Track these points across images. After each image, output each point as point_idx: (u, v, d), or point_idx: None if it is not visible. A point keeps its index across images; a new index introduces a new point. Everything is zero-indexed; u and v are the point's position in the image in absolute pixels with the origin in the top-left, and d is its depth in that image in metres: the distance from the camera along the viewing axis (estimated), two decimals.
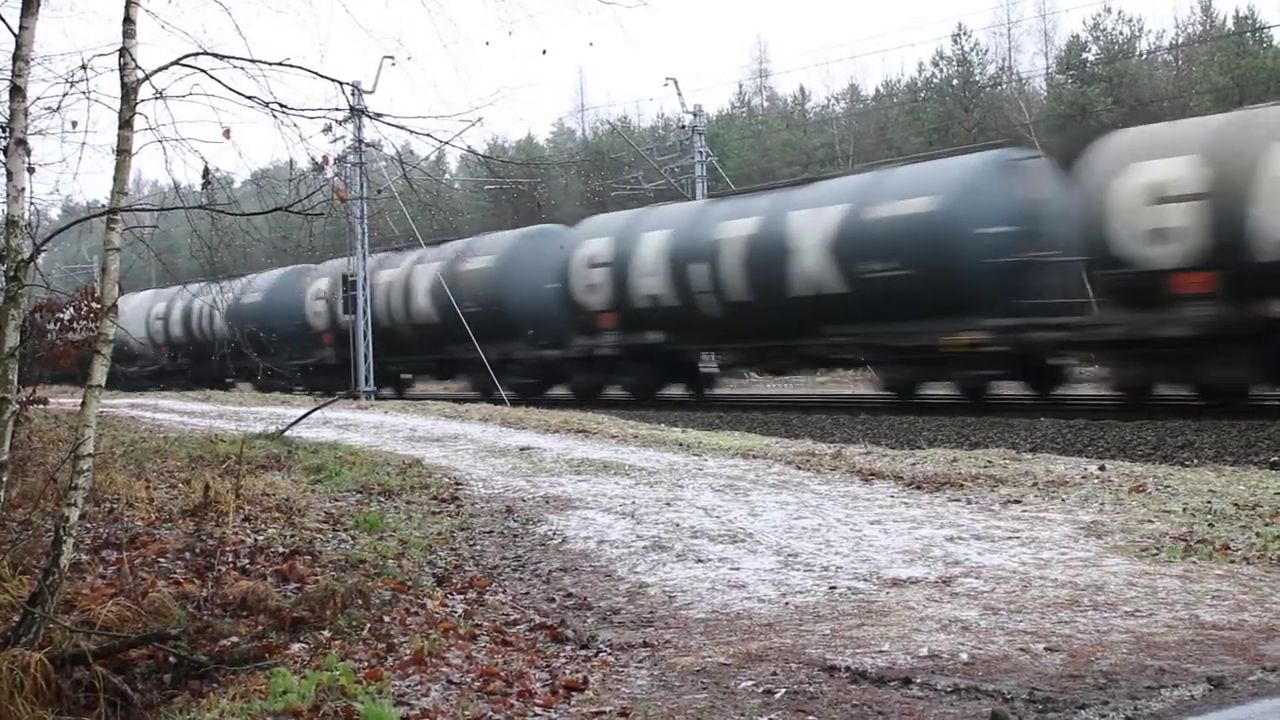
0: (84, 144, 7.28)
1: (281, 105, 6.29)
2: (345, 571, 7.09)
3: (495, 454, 14.33)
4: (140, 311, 47.85)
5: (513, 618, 6.23)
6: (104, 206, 6.45)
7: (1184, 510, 8.52)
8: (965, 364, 21.08)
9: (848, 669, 5.01)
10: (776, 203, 24.67)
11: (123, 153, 5.95)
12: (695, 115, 40.66)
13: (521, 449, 14.62)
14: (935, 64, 58.80)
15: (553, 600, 6.65)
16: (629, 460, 13.06)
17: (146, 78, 5.99)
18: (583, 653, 5.49)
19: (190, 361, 42.55)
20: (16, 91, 5.85)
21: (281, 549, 7.83)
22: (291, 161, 7.14)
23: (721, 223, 25.31)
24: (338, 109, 6.83)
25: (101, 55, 6.20)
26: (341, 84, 6.74)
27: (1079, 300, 19.85)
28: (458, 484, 11.46)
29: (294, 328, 36.51)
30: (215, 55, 6.09)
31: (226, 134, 6.35)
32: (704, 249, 25.33)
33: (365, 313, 32.29)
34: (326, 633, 5.83)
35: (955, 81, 57.35)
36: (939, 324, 20.74)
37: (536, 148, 71.95)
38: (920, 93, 59.62)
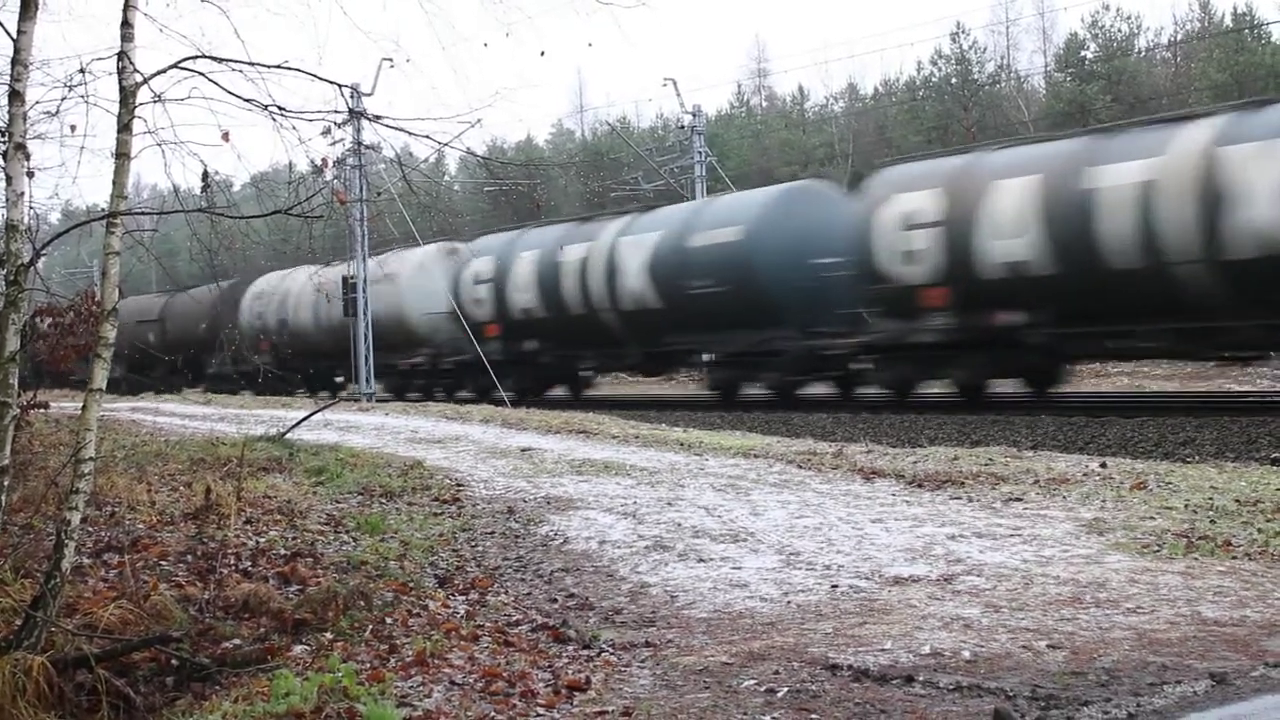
0: (83, 148, 7.28)
1: (280, 108, 6.29)
2: (347, 573, 7.09)
3: (496, 455, 14.33)
4: (430, 274, 32.84)
5: (515, 618, 6.23)
6: (103, 210, 6.45)
7: (1185, 507, 8.52)
8: None
9: (850, 667, 5.01)
10: None
11: (121, 156, 5.95)
12: (694, 115, 40.61)
13: (523, 450, 14.63)
14: (934, 62, 58.86)
15: (555, 600, 6.66)
16: (630, 460, 13.06)
17: (145, 81, 5.99)
18: (585, 653, 5.49)
19: (547, 345, 29.18)
20: (15, 96, 5.85)
21: (283, 551, 7.84)
22: (291, 164, 7.13)
23: None
24: (337, 111, 6.84)
25: (100, 59, 6.21)
26: (340, 86, 6.74)
27: None
28: (459, 485, 11.46)
29: (834, 284, 22.90)
30: (213, 58, 6.09)
31: (225, 137, 6.35)
32: None
33: (365, 313, 32.23)
34: (328, 634, 5.84)
35: (954, 80, 57.32)
36: None
37: (536, 149, 71.95)
38: (919, 91, 59.63)
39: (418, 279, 33.14)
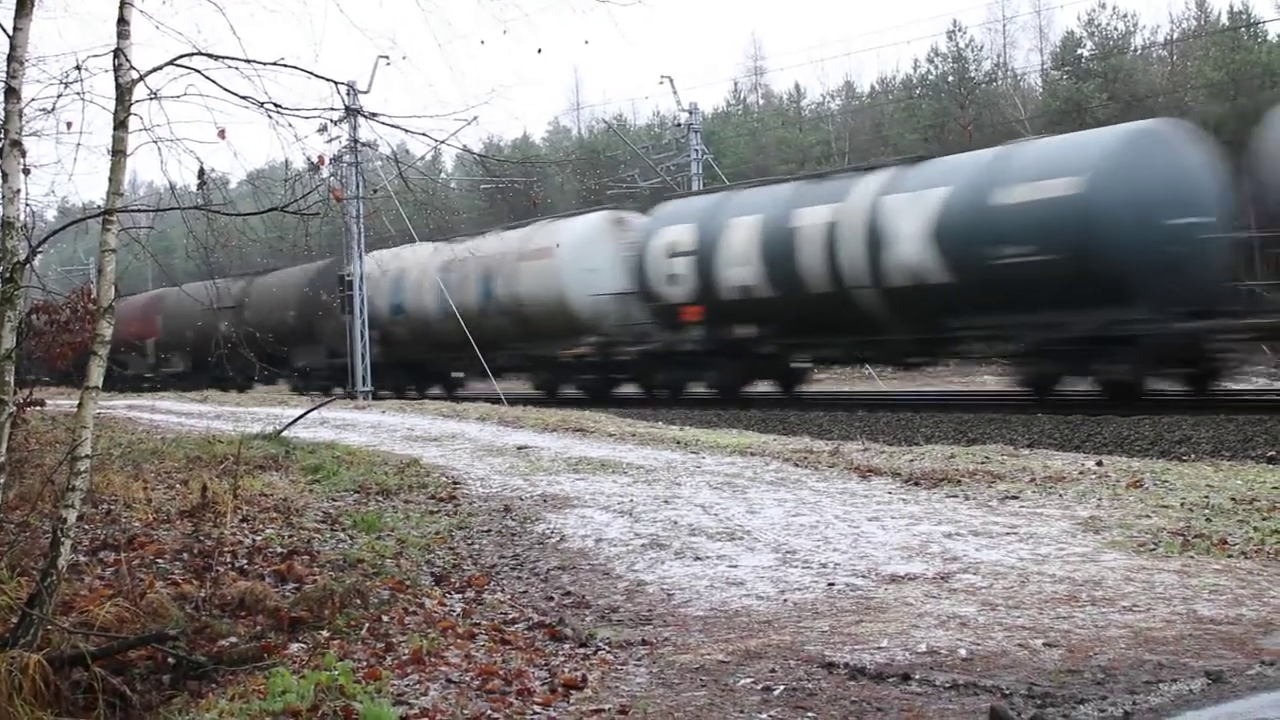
0: (79, 145, 7.30)
1: (276, 105, 6.30)
2: (343, 571, 7.09)
3: (493, 453, 14.33)
4: (596, 247, 28.32)
5: (511, 616, 6.23)
6: (100, 208, 6.45)
7: (1181, 505, 8.52)
8: None
9: (846, 665, 5.01)
10: None
11: (118, 153, 5.95)
12: (691, 113, 40.58)
13: (519, 448, 14.62)
14: (930, 60, 58.88)
15: (551, 599, 6.65)
16: (627, 458, 13.06)
17: (141, 78, 5.99)
18: (581, 651, 5.49)
19: (769, 331, 24.09)
20: (11, 93, 5.84)
21: (279, 549, 7.83)
22: (287, 161, 7.14)
23: None
24: (333, 109, 6.86)
25: (96, 56, 6.22)
26: (336, 84, 6.75)
27: None
28: (455, 483, 11.45)
29: (1208, 250, 18.48)
30: (209, 55, 6.10)
31: (221, 134, 6.35)
32: None
33: (363, 311, 32.17)
34: (325, 632, 5.84)
35: (950, 78, 57.38)
36: None
37: (532, 146, 71.91)
38: (916, 89, 59.67)
39: (580, 254, 28.07)
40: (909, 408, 21.37)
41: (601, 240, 28.49)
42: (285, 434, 15.69)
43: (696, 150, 39.68)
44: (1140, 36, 56.51)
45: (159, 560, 7.33)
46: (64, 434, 11.24)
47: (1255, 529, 7.56)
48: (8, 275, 5.76)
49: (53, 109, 6.59)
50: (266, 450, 13.96)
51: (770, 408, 23.54)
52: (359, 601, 6.23)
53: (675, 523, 8.78)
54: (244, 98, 6.18)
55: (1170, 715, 4.32)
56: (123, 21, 6.01)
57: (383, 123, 7.23)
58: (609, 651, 5.46)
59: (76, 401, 5.91)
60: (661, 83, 53.69)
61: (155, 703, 5.17)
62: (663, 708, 4.60)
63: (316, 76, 6.47)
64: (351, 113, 8.38)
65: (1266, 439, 14.61)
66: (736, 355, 24.68)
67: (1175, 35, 56.94)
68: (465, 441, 16.04)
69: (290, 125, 6.43)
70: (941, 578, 6.67)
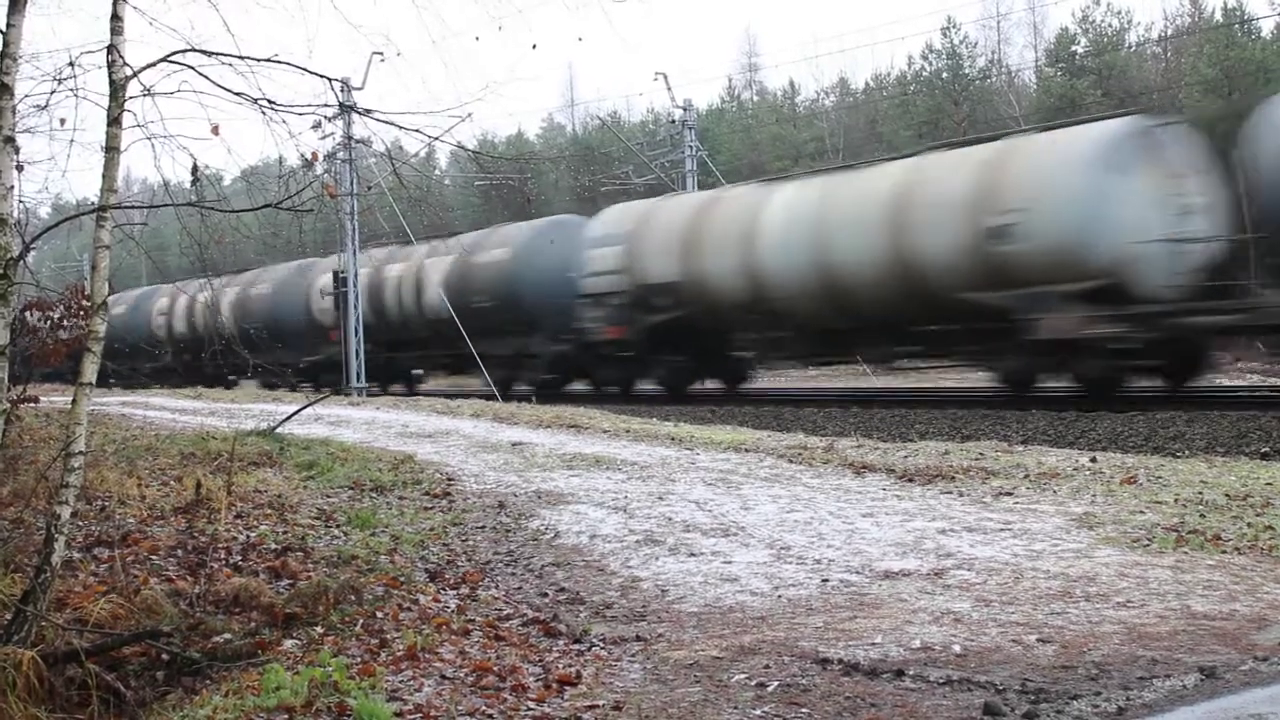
0: (72, 141, 7.28)
1: (270, 102, 6.29)
2: (338, 567, 7.09)
3: (487, 449, 14.32)
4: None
5: (505, 612, 6.23)
6: (93, 204, 6.44)
7: (1175, 501, 8.54)
8: None
9: (840, 661, 5.02)
10: None
11: (111, 150, 5.94)
12: (685, 110, 40.52)
13: (513, 444, 14.62)
14: (925, 57, 58.98)
15: (545, 595, 6.66)
16: (621, 455, 13.05)
17: (135, 75, 5.98)
18: (576, 647, 5.50)
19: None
20: (4, 89, 5.83)
21: (274, 545, 7.83)
22: (281, 158, 7.19)
23: None
24: (327, 105, 6.84)
25: (90, 52, 6.20)
26: (330, 80, 6.75)
27: None
28: (450, 479, 11.45)
29: None
30: (203, 52, 6.09)
31: (215, 131, 6.33)
32: None
33: (356, 308, 32.14)
34: (319, 629, 5.84)
35: (945, 75, 57.45)
36: None
37: (526, 143, 71.91)
38: (910, 86, 59.73)
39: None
40: (903, 404, 21.39)
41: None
42: (279, 430, 15.68)
43: (691, 147, 39.64)
44: (1135, 33, 56.63)
45: (153, 557, 7.32)
46: (58, 430, 11.22)
47: (1249, 525, 7.58)
48: (1, 272, 5.75)
49: (46, 105, 6.58)
50: (261, 447, 13.95)
51: (764, 404, 23.53)
52: (353, 598, 6.23)
53: (669, 519, 8.78)
54: (238, 94, 6.18)
55: (1164, 711, 4.33)
56: (116, 18, 6.00)
57: (377, 119, 7.25)
58: (603, 647, 5.46)
59: (69, 398, 5.90)
60: (656, 79, 53.68)
61: (149, 699, 5.17)
62: (657, 703, 4.61)
63: (310, 73, 6.47)
64: (345, 109, 8.39)
65: (1260, 435, 14.64)
66: None
67: (1170, 32, 57.02)
68: (460, 438, 16.03)
69: (284, 122, 6.43)
70: (936, 574, 6.67)
